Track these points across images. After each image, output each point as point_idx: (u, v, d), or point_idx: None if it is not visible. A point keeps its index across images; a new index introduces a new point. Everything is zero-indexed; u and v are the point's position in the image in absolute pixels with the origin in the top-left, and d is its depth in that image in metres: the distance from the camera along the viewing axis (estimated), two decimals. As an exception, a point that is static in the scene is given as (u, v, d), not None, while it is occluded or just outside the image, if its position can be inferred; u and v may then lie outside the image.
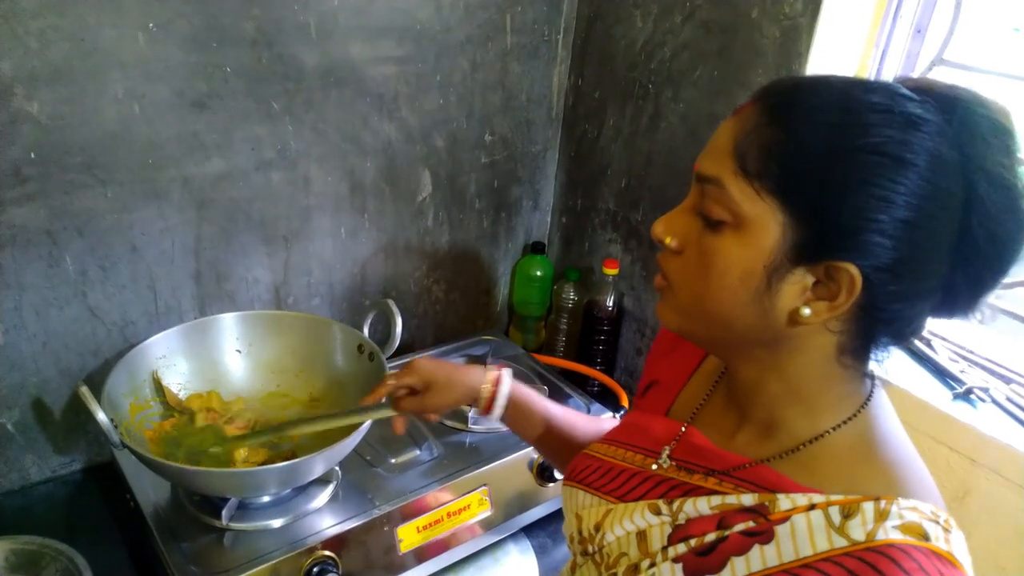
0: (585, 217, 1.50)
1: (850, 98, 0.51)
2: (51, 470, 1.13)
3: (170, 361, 1.08)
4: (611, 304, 1.42)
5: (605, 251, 1.47)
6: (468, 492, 1.07)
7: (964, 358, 1.11)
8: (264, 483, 0.95)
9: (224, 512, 0.95)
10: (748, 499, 0.56)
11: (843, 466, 0.56)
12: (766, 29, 1.09)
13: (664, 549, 0.59)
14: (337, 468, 1.05)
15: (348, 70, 1.16)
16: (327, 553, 0.93)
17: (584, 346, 1.46)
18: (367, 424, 0.95)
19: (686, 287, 0.58)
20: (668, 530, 0.59)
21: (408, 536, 1.01)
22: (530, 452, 1.14)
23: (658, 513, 0.61)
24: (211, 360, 1.12)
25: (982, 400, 1.02)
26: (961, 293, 0.53)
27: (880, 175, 0.49)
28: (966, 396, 1.03)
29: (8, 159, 0.93)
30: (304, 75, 1.12)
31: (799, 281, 0.53)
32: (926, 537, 0.50)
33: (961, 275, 0.52)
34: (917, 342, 1.14)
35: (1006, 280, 0.53)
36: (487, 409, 0.90)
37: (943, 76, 1.05)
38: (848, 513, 0.51)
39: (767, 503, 0.55)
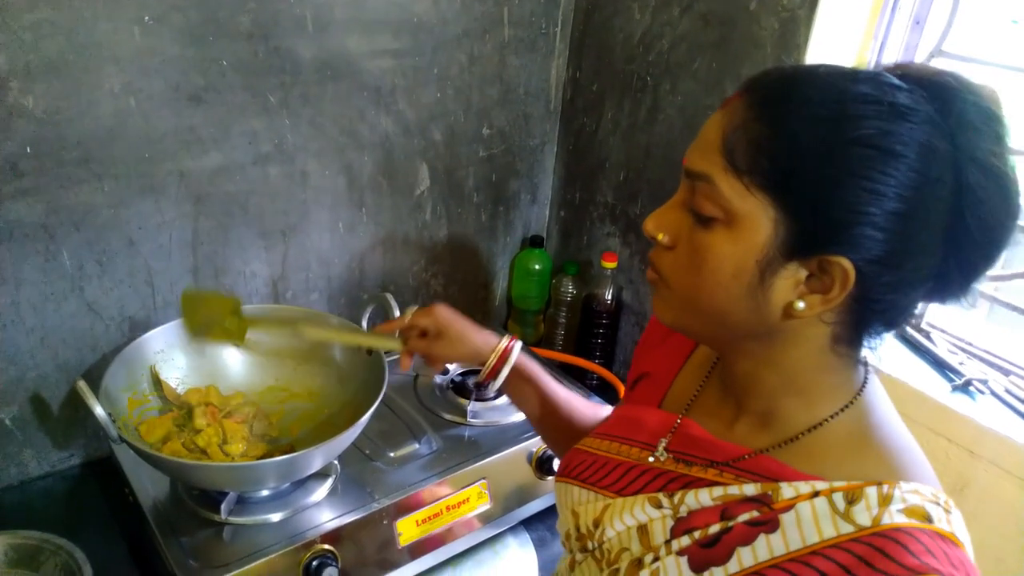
0: (583, 210, 1.49)
1: (838, 90, 0.50)
2: (50, 465, 1.13)
3: (168, 356, 1.08)
4: (610, 297, 1.42)
5: (603, 244, 1.46)
6: (467, 485, 1.07)
7: (963, 350, 1.11)
8: (263, 477, 0.95)
9: (223, 506, 0.95)
10: (750, 489, 0.56)
11: (843, 453, 0.56)
12: (764, 21, 1.09)
13: (667, 543, 0.59)
14: (336, 462, 1.05)
15: (345, 63, 1.16)
16: (326, 547, 0.93)
17: (583, 340, 1.46)
18: (365, 418, 0.95)
19: (679, 283, 0.58)
20: (670, 523, 0.59)
21: (407, 530, 1.01)
22: (529, 445, 1.14)
23: (659, 506, 0.60)
24: (209, 355, 1.12)
25: (981, 392, 1.02)
26: (953, 279, 0.53)
27: (870, 168, 0.48)
28: (965, 388, 1.03)
29: (4, 154, 0.93)
30: (301, 68, 1.12)
31: (792, 275, 0.53)
32: (929, 519, 0.50)
33: (953, 262, 0.52)
34: (916, 334, 1.14)
35: (1004, 271, 0.53)
36: (490, 375, 0.92)
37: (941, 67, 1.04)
38: (852, 499, 0.51)
39: (770, 492, 0.55)
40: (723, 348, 0.62)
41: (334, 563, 0.93)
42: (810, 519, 0.52)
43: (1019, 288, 1.06)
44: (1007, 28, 1.08)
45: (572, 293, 1.49)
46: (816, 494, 0.53)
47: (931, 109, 0.50)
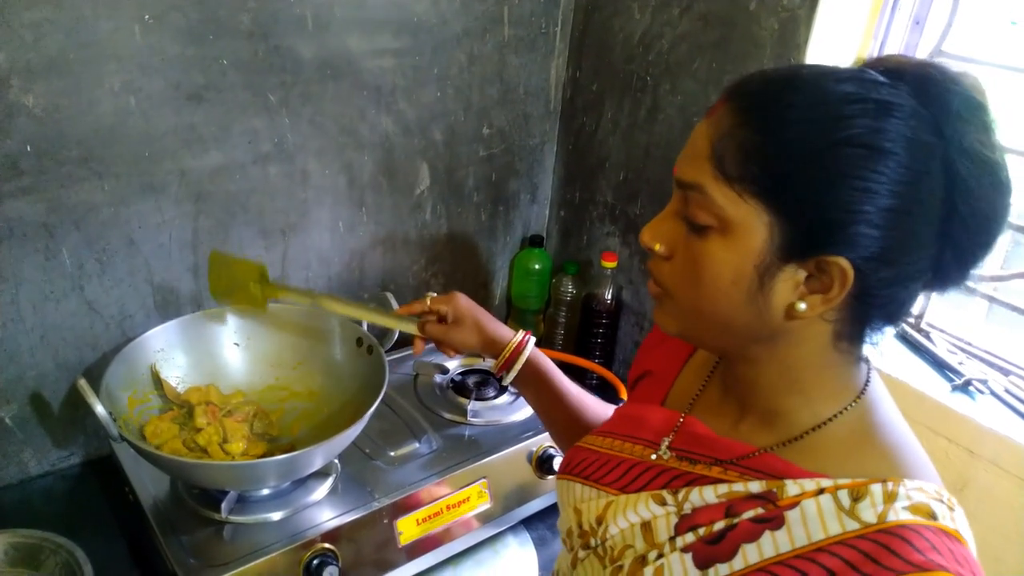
0: (583, 210, 1.50)
1: (822, 91, 0.50)
2: (50, 464, 1.13)
3: (168, 355, 1.08)
4: (609, 297, 1.42)
5: (603, 244, 1.47)
6: (467, 485, 1.07)
7: (962, 350, 1.11)
8: (263, 476, 0.95)
9: (223, 505, 0.95)
10: (755, 486, 0.56)
11: (847, 451, 0.56)
12: (764, 21, 1.09)
13: (671, 539, 0.59)
14: (336, 461, 1.05)
15: (345, 63, 1.16)
16: (327, 546, 0.93)
17: (582, 339, 1.46)
18: (366, 418, 0.95)
19: (680, 293, 0.58)
20: (674, 520, 0.59)
21: (407, 529, 1.01)
22: (529, 445, 1.14)
23: (663, 503, 0.61)
24: (209, 354, 1.12)
25: (980, 392, 1.02)
26: (951, 269, 0.53)
27: (861, 167, 0.48)
28: (965, 388, 1.03)
29: (4, 152, 0.93)
30: (301, 68, 1.12)
31: (791, 277, 0.53)
32: (934, 516, 0.50)
33: (950, 252, 0.52)
34: (916, 334, 1.14)
35: (1004, 272, 0.53)
36: (503, 368, 0.93)
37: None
38: (857, 496, 0.52)
39: (775, 489, 0.55)
40: (729, 354, 0.62)
41: (334, 562, 0.93)
42: (815, 516, 0.52)
43: (1018, 288, 1.06)
44: (1006, 29, 1.09)
45: (572, 293, 1.49)
46: (821, 491, 0.53)
47: (916, 103, 0.50)
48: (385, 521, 0.99)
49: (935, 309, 1.16)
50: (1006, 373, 1.06)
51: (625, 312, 1.46)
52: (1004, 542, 0.97)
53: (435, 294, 0.98)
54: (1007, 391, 1.02)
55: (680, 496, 0.60)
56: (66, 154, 0.97)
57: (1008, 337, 1.10)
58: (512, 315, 1.60)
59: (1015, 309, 1.06)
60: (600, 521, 0.65)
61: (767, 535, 0.54)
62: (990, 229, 0.51)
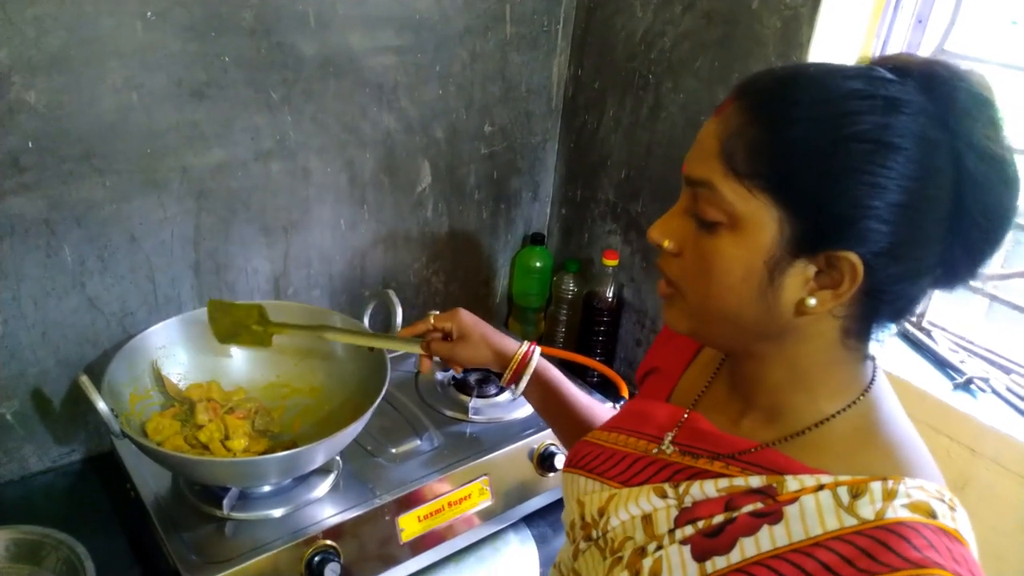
0: (585, 208, 1.50)
1: (830, 88, 0.51)
2: (51, 460, 1.13)
3: (170, 351, 1.08)
4: (611, 295, 1.42)
5: (605, 242, 1.47)
6: (469, 482, 1.07)
7: (964, 348, 1.11)
8: (265, 472, 0.95)
9: (225, 502, 0.95)
10: (756, 481, 0.56)
11: (849, 448, 0.56)
12: (767, 19, 1.09)
13: (671, 532, 0.59)
14: (338, 458, 1.05)
15: (347, 60, 1.16)
16: (328, 542, 0.94)
17: (584, 337, 1.46)
18: (368, 415, 0.95)
19: (691, 290, 0.58)
20: (674, 513, 0.59)
21: (409, 526, 1.01)
22: (530, 442, 1.14)
23: (664, 497, 0.61)
24: (211, 350, 1.12)
25: (982, 390, 1.02)
26: (961, 265, 0.53)
27: (869, 162, 0.49)
28: (966, 386, 1.03)
29: (6, 148, 0.93)
30: (303, 65, 1.11)
31: (801, 273, 0.53)
32: (933, 515, 0.50)
33: (959, 248, 0.52)
34: (917, 332, 1.14)
35: (1005, 270, 0.53)
36: (511, 381, 0.94)
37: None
38: (856, 493, 0.52)
39: (775, 485, 0.55)
40: (735, 352, 0.62)
41: (336, 559, 0.93)
42: (814, 511, 0.52)
43: (1019, 287, 1.07)
44: (1007, 29, 1.09)
45: (573, 291, 1.49)
46: (821, 487, 0.53)
47: (924, 99, 0.50)
48: (387, 518, 0.99)
49: (936, 307, 1.16)
50: (1007, 371, 1.06)
51: (626, 310, 1.46)
52: (1005, 540, 0.97)
53: (437, 312, 0.97)
54: (1008, 389, 1.02)
55: (681, 490, 0.60)
56: (68, 151, 0.97)
57: (1008, 335, 1.10)
58: (513, 313, 1.60)
59: (1016, 307, 1.06)
60: (602, 513, 0.65)
61: (765, 529, 0.54)
62: (999, 225, 0.51)
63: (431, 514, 1.03)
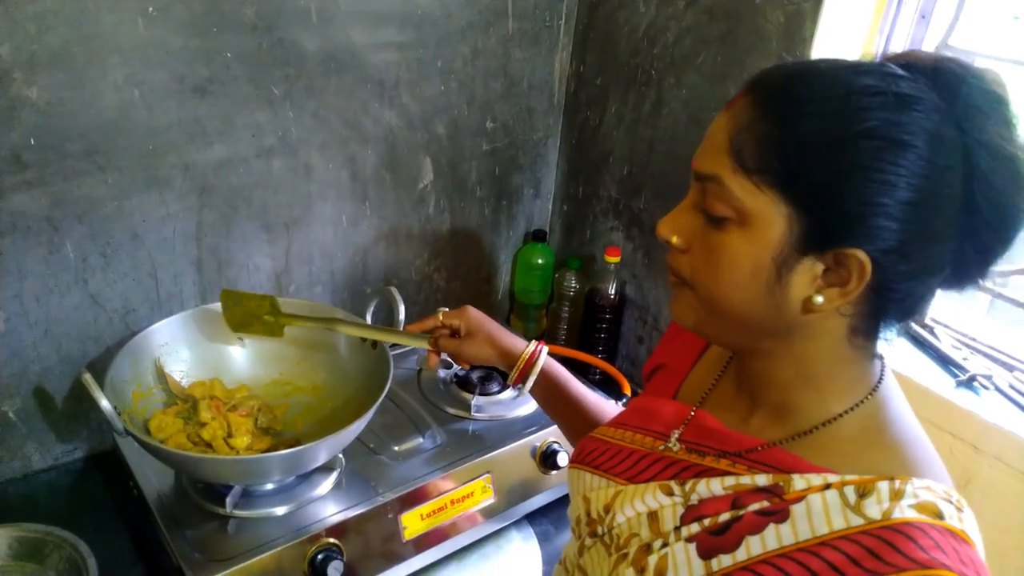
0: (586, 205, 1.49)
1: (841, 84, 0.50)
2: (53, 458, 1.13)
3: (172, 349, 1.08)
4: (613, 292, 1.41)
5: (607, 239, 1.46)
6: (471, 480, 1.07)
7: (967, 346, 1.11)
8: (268, 470, 0.95)
9: (228, 499, 0.95)
10: (762, 479, 0.56)
11: (856, 447, 0.56)
12: (770, 14, 1.08)
13: (676, 529, 0.59)
14: (341, 455, 1.05)
15: (349, 56, 1.15)
16: (331, 540, 0.94)
17: (586, 334, 1.46)
18: (370, 413, 0.95)
19: (699, 284, 0.58)
20: (680, 510, 0.59)
21: (412, 523, 1.01)
22: (533, 440, 1.14)
23: (670, 494, 0.61)
24: (213, 348, 1.12)
25: (985, 388, 1.02)
26: (971, 264, 0.53)
27: (880, 159, 0.48)
28: (969, 384, 1.03)
29: (8, 145, 0.92)
30: (305, 61, 1.11)
31: (809, 270, 0.53)
32: (940, 516, 0.50)
33: (969, 247, 0.52)
34: (920, 330, 1.14)
35: (1006, 268, 0.53)
36: (519, 380, 0.94)
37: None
38: (863, 492, 0.52)
39: (781, 483, 0.55)
40: (741, 349, 0.62)
41: (339, 556, 0.93)
42: (820, 510, 0.52)
43: (1019, 284, 1.06)
44: (1009, 24, 1.09)
45: (575, 288, 1.49)
46: (828, 486, 0.53)
47: (936, 96, 0.50)
48: (389, 516, 0.99)
49: (939, 304, 1.16)
50: (1010, 369, 1.06)
51: (628, 307, 1.46)
52: (1008, 537, 0.97)
53: (446, 309, 0.98)
54: (1011, 387, 1.02)
55: (687, 487, 0.60)
56: (70, 147, 0.97)
57: (1011, 332, 1.10)
58: (515, 310, 1.59)
59: (1018, 304, 1.06)
60: (608, 509, 0.65)
61: (771, 528, 0.54)
62: (1010, 224, 0.51)
63: (434, 512, 1.03)
